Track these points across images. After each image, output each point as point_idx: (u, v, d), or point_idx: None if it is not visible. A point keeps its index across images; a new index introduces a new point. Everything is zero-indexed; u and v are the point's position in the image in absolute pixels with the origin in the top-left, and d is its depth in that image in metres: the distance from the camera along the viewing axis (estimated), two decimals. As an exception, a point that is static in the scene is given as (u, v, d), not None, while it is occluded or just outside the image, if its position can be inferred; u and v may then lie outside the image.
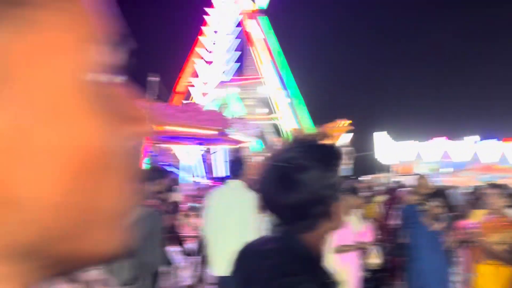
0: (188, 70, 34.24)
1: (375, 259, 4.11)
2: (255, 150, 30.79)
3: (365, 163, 29.10)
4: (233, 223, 3.69)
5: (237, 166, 4.04)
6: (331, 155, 1.12)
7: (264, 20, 34.16)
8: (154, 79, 19.17)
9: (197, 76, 33.92)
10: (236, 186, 3.91)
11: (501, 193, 3.95)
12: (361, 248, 4.09)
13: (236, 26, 34.33)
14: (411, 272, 4.56)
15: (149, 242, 3.04)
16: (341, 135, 27.25)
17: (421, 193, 5.49)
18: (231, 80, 33.65)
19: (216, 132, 16.64)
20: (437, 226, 4.80)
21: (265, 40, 33.51)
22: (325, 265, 1.07)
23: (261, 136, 32.58)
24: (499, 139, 24.77)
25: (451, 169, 24.24)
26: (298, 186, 1.03)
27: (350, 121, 28.08)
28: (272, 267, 1.01)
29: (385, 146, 26.98)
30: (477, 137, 25.01)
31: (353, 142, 27.10)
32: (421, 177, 6.09)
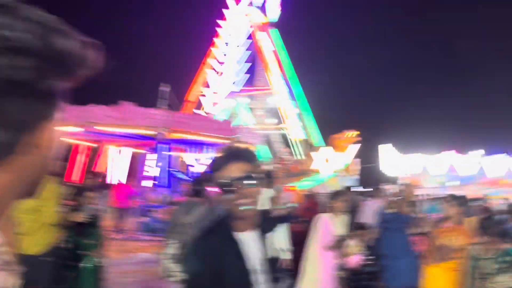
0: (199, 80, 35.01)
1: (355, 248, 4.49)
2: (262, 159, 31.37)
3: (372, 175, 29.28)
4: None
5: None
6: None
7: (274, 33, 34.81)
8: (165, 88, 19.86)
9: (208, 86, 34.66)
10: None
11: (458, 204, 4.40)
12: (340, 243, 4.52)
13: (247, 38, 35.08)
14: (389, 273, 4.96)
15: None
16: (349, 146, 27.51)
17: (407, 200, 5.91)
18: (241, 91, 34.32)
19: (224, 141, 17.14)
20: (415, 230, 5.23)
21: (275, 52, 34.13)
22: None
23: (269, 145, 33.02)
24: (506, 154, 24.81)
25: (458, 183, 24.30)
26: None
27: (358, 132, 28.37)
28: None
29: (391, 159, 27.19)
30: (482, 151, 25.08)
31: (361, 154, 27.39)
32: (408, 185, 6.46)
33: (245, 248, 1.60)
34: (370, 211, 6.60)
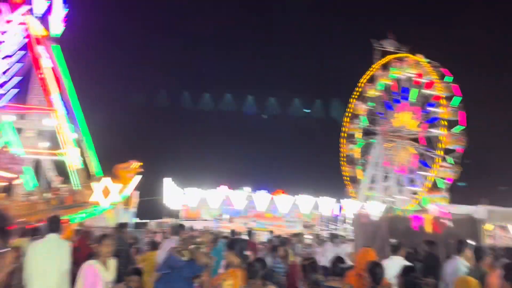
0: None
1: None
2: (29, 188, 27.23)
3: (154, 208, 28.89)
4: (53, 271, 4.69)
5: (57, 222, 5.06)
6: None
7: (56, 49, 31.55)
8: None
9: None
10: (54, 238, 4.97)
11: (230, 249, 4.52)
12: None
13: (21, 49, 30.63)
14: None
15: None
16: (133, 177, 26.49)
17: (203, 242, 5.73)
18: (7, 107, 29.33)
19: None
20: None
21: (54, 69, 30.79)
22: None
23: (38, 172, 29.01)
24: (268, 191, 28.58)
25: (228, 216, 26.50)
26: None
27: (141, 163, 27.72)
28: None
29: (172, 192, 27.60)
30: (249, 188, 28.34)
31: (141, 186, 26.79)
32: (204, 232, 6.36)
33: None
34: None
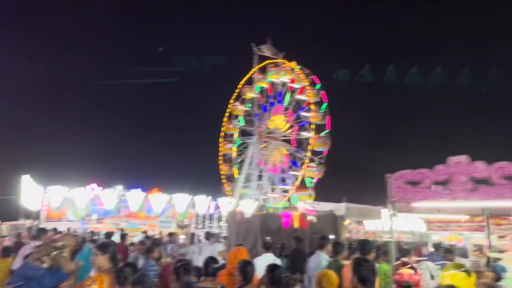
0: None
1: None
2: None
3: (8, 208, 25.61)
4: None
5: None
6: None
7: None
8: None
9: None
10: None
11: (103, 252, 4.16)
12: None
13: None
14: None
15: None
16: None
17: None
18: None
19: None
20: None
21: None
22: None
23: None
24: (143, 190, 27.45)
25: (96, 216, 24.75)
26: None
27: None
28: None
29: (31, 190, 24.73)
30: (121, 186, 26.83)
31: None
32: (66, 235, 5.75)
33: None
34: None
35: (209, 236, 13.06)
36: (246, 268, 4.50)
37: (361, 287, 3.55)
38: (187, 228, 25.15)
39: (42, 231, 10.05)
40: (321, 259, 6.63)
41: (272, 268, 4.26)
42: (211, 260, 4.77)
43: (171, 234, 11.35)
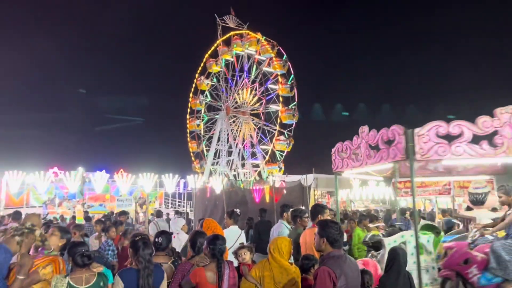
0: None
1: None
2: None
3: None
4: None
5: None
6: None
7: None
8: None
9: None
10: None
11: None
12: None
13: None
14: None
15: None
16: None
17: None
18: None
19: None
20: None
21: None
22: None
23: None
24: (108, 171, 26.58)
25: (57, 200, 23.82)
26: None
27: None
28: None
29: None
30: (82, 168, 25.88)
31: None
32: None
33: None
34: None
35: (176, 213, 12.70)
36: (195, 238, 4.31)
37: (329, 248, 3.44)
38: (148, 206, 24.53)
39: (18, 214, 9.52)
40: (282, 227, 6.57)
41: (212, 239, 4.03)
42: (160, 234, 4.41)
43: (121, 213, 10.84)
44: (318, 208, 5.62)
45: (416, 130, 5.46)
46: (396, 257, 4.61)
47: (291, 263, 4.30)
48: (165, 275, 3.95)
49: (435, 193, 10.75)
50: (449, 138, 5.43)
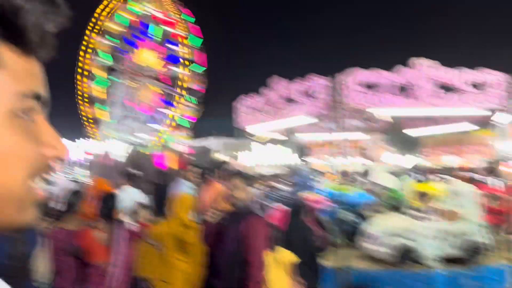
0: None
1: None
2: None
3: None
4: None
5: None
6: None
7: None
8: None
9: None
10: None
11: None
12: None
13: None
14: None
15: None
16: None
17: None
18: None
19: None
20: None
21: None
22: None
23: None
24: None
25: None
26: None
27: None
28: None
29: None
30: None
31: None
32: None
33: None
34: None
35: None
36: (70, 197, 4.15)
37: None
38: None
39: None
40: (182, 184, 6.33)
41: (105, 199, 3.77)
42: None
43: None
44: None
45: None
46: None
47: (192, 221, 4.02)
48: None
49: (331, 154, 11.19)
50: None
